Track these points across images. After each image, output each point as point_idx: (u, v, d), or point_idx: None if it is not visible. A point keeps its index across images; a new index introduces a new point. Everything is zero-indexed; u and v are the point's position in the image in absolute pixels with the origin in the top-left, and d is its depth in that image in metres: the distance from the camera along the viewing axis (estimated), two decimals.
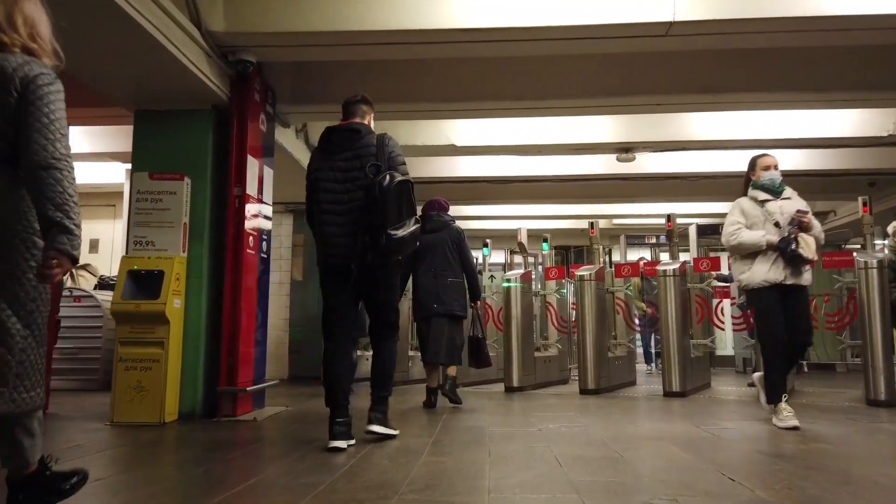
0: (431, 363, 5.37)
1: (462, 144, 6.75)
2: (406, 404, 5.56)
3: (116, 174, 7.82)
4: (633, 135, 6.81)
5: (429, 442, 3.66)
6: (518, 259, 7.85)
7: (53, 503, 2.11)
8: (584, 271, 6.55)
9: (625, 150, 7.03)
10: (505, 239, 12.15)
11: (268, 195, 5.14)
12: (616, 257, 13.24)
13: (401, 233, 3.47)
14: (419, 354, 5.87)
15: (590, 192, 8.91)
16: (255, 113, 4.93)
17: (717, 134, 6.81)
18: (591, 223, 7.03)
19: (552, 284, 7.51)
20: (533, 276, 7.19)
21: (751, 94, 5.54)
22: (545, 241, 8.34)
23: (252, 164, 4.86)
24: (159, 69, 4.25)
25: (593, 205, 10.08)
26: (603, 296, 6.70)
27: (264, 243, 5.05)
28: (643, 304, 8.97)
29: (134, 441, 3.80)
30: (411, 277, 5.46)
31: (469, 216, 10.83)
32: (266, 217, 5.10)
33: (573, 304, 7.31)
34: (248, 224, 4.77)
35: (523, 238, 7.20)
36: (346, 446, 3.43)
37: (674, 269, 6.26)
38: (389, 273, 3.71)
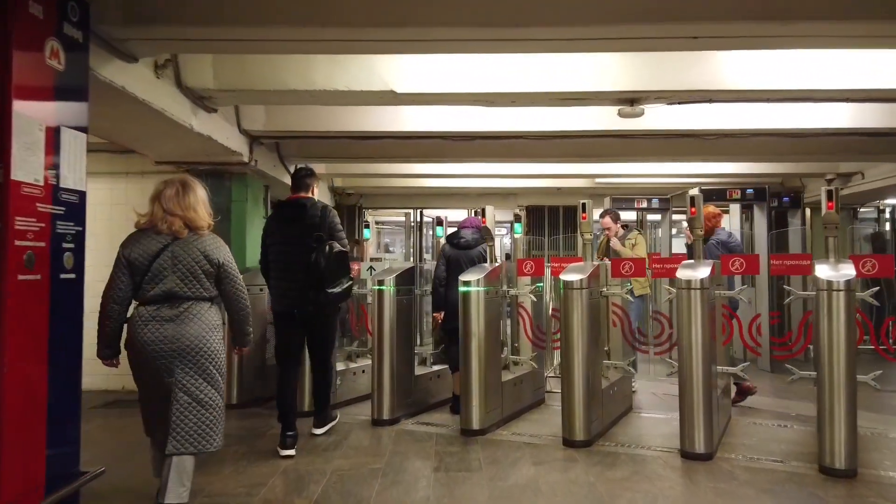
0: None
1: (404, 91, 4.74)
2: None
3: None
4: (642, 81, 4.87)
5: None
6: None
7: None
8: (572, 274, 4.72)
9: (630, 101, 5.09)
10: (470, 197, 10.26)
11: (74, 176, 3.14)
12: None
13: (336, 290, 4.47)
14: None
15: (577, 152, 6.99)
16: (32, 37, 2.89)
17: (756, 82, 4.92)
18: (584, 205, 5.19)
19: (524, 282, 5.64)
20: (501, 273, 5.34)
21: (827, 24, 3.65)
22: (517, 220, 6.47)
23: (26, 129, 2.85)
24: None
25: (577, 164, 8.18)
26: (597, 304, 4.91)
27: (67, 257, 3.09)
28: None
29: None
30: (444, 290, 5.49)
31: (420, 174, 8.85)
32: (70, 212, 3.11)
33: (554, 311, 5.45)
34: (23, 227, 2.80)
35: (490, 220, 5.30)
36: (294, 454, 4.36)
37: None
38: (326, 320, 4.71)
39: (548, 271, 6.03)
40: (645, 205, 8.94)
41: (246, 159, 6.13)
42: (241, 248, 6.50)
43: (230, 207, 6.52)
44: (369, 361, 5.54)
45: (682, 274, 4.45)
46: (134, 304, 3.36)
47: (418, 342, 6.10)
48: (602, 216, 6.76)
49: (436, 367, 5.94)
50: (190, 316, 3.28)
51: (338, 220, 4.65)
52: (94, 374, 3.74)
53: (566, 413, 4.63)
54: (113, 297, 3.31)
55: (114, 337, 3.36)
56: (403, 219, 10.92)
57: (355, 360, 6.18)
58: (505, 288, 5.38)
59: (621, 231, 6.65)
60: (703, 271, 4.46)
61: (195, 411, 3.26)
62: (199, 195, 3.44)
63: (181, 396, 3.24)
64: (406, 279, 5.43)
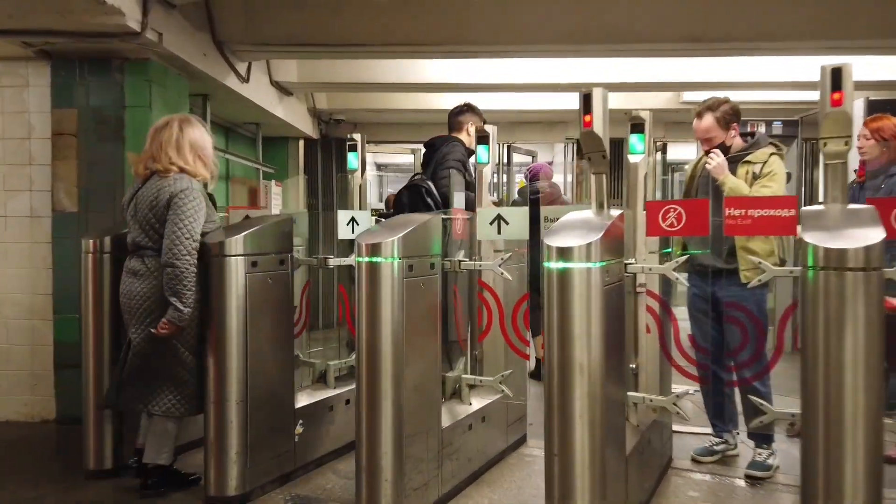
0: None
1: None
2: None
3: None
4: None
5: None
6: None
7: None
8: (568, 235, 2.19)
9: None
10: (502, 127, 7.51)
11: None
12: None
13: None
14: None
15: (692, 32, 4.31)
16: None
17: None
18: (587, 96, 2.44)
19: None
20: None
21: None
22: (481, 140, 3.42)
23: None
24: None
25: (675, 61, 5.50)
26: (619, 293, 2.28)
27: None
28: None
29: None
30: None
31: (435, 83, 6.07)
32: None
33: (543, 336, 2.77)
34: None
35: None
36: None
37: None
38: None
39: None
40: (762, 131, 6.22)
41: (135, 26, 3.45)
42: None
43: (122, 117, 3.89)
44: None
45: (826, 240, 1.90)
46: None
47: (451, 363, 3.32)
48: (703, 112, 3.38)
49: (476, 406, 3.28)
50: (147, 271, 2.82)
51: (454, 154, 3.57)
52: None
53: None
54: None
55: None
56: (411, 157, 8.36)
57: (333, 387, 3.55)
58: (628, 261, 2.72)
59: (739, 142, 3.37)
60: (871, 233, 1.90)
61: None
62: (187, 134, 2.87)
63: (131, 358, 2.83)
64: (423, 242, 2.73)
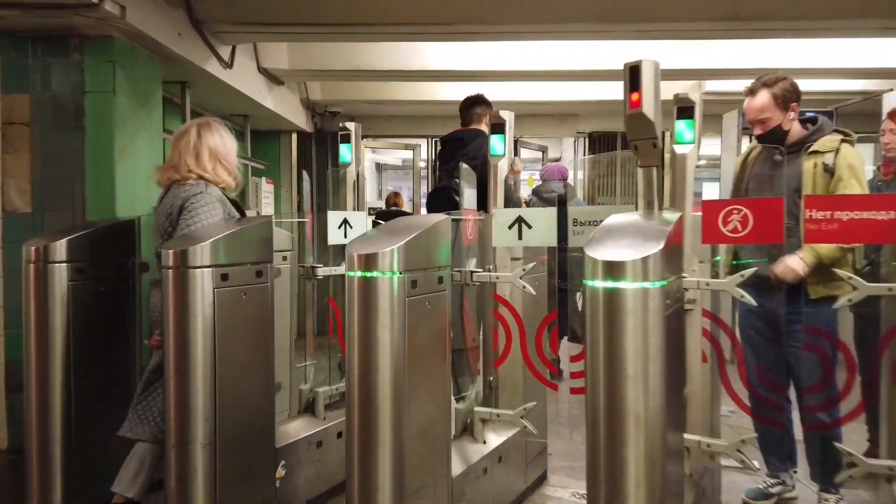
0: None
1: None
2: None
3: None
4: None
5: None
6: None
7: None
8: (617, 245, 1.71)
9: None
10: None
11: None
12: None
13: None
14: None
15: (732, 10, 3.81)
16: None
17: None
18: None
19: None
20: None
21: None
22: (495, 129, 2.90)
23: None
24: None
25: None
26: (682, 334, 1.80)
27: None
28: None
29: None
30: None
31: (437, 71, 5.55)
32: None
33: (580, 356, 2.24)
34: None
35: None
36: None
37: None
38: None
39: None
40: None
41: None
42: (105, 180, 3.40)
43: (82, 103, 3.39)
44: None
45: None
46: None
47: (458, 389, 2.81)
48: (758, 88, 2.79)
49: (492, 444, 2.78)
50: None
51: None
52: None
53: None
54: None
55: None
56: (411, 154, 7.89)
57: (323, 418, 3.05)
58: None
59: (798, 128, 2.82)
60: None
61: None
62: (206, 140, 2.72)
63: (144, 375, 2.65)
64: (429, 251, 2.23)
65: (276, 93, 5.66)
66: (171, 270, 2.26)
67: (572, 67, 5.34)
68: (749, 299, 2.10)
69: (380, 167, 12.18)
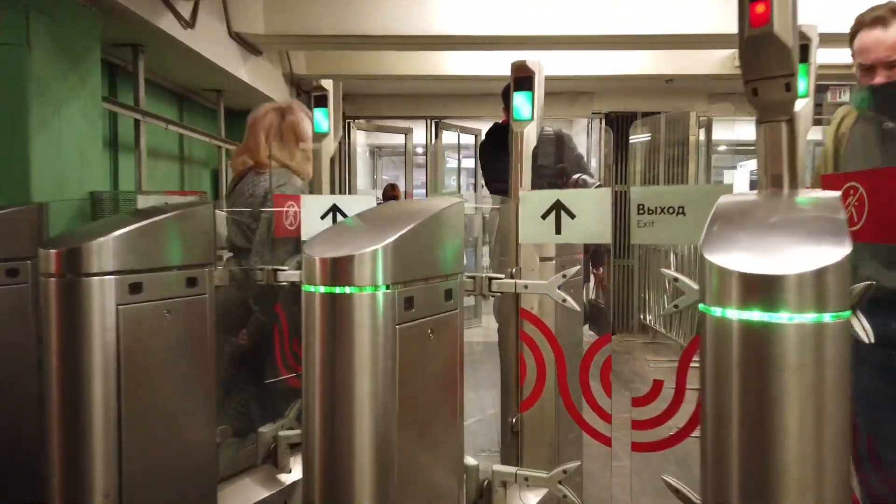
0: None
1: None
2: None
3: None
4: None
5: None
6: None
7: None
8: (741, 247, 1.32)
9: None
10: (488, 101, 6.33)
11: None
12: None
13: None
14: None
15: None
16: None
17: None
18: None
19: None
20: None
21: None
22: (520, 85, 1.82)
23: None
24: None
25: None
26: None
27: None
28: None
29: None
30: None
31: (438, 36, 4.81)
32: None
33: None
34: None
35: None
36: None
37: None
38: None
39: None
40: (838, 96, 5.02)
41: None
42: (15, 157, 2.67)
43: None
44: None
45: None
46: None
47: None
48: (893, 18, 1.93)
49: None
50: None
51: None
52: None
53: None
54: None
55: None
56: (403, 139, 7.21)
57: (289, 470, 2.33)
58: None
59: None
60: None
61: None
62: (291, 125, 2.54)
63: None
64: (432, 251, 1.46)
65: (254, 64, 4.93)
66: (52, 279, 1.54)
67: (583, 32, 4.58)
68: (864, 329, 1.24)
69: (373, 153, 11.21)
